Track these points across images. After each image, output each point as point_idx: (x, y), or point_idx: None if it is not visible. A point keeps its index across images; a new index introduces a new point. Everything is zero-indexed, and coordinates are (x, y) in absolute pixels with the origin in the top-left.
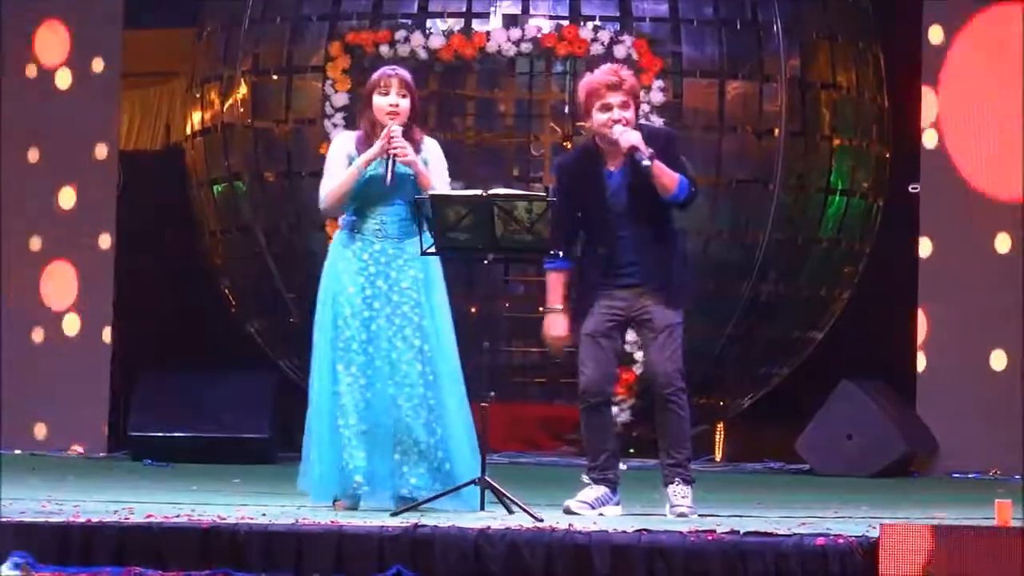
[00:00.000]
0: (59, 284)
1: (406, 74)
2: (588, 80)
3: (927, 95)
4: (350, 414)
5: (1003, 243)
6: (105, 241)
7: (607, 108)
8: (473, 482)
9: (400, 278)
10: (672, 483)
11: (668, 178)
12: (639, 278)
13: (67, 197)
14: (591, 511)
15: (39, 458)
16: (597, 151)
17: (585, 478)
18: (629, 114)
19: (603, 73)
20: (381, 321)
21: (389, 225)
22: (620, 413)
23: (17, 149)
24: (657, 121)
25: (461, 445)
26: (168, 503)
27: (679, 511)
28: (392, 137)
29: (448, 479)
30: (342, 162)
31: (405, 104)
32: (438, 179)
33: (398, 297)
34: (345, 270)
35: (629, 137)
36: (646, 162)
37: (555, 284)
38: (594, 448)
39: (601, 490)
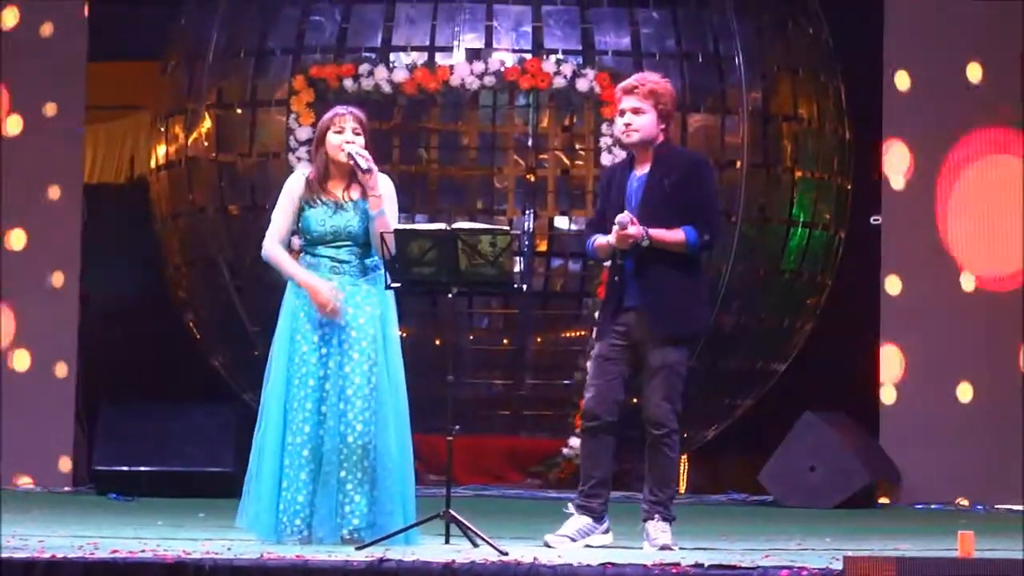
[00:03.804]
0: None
1: (360, 113)
2: None
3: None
4: (298, 455)
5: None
6: (57, 279)
7: (622, 114)
8: (437, 515)
9: (358, 314)
10: (652, 519)
11: (673, 243)
12: (639, 300)
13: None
14: (571, 544)
15: (4, 493)
16: (633, 158)
17: (569, 507)
18: (640, 120)
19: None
20: (338, 357)
21: (346, 264)
22: None
23: None
24: (620, 155)
25: (401, 482)
26: (133, 538)
27: (661, 543)
28: (353, 154)
29: (386, 515)
30: (287, 206)
31: (360, 142)
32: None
33: (356, 333)
34: (302, 307)
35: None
36: (645, 242)
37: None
38: (585, 473)
39: (583, 520)
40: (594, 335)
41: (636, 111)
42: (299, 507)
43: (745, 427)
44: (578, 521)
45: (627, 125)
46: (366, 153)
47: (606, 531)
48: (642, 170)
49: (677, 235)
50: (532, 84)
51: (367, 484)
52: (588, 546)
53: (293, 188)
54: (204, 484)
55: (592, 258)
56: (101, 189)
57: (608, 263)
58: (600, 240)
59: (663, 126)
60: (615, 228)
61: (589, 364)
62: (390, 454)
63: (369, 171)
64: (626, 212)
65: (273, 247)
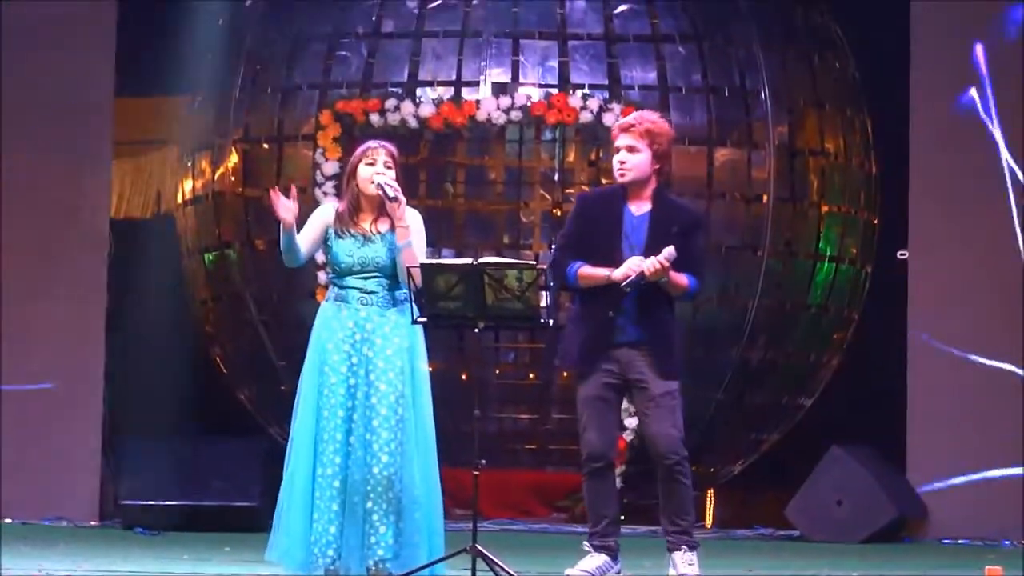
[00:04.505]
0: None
1: (391, 147)
2: None
3: None
4: (329, 486)
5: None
6: (98, 307)
7: (617, 151)
8: (464, 550)
9: (385, 345)
10: (678, 550)
11: (679, 287)
12: (638, 336)
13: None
14: None
15: (30, 527)
16: (624, 192)
17: (585, 545)
18: (635, 159)
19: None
20: (365, 388)
21: (374, 295)
22: None
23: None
24: None
25: (427, 515)
26: (159, 572)
27: (688, 575)
28: (381, 184)
29: (411, 547)
30: (312, 228)
31: (391, 175)
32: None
33: (383, 364)
34: (330, 338)
35: (644, 265)
36: (663, 280)
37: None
38: (595, 514)
39: (601, 558)
40: (575, 370)
41: (631, 149)
42: (331, 538)
43: (772, 461)
44: (597, 558)
45: (621, 163)
46: (395, 184)
47: (619, 571)
48: (639, 208)
49: (684, 280)
50: (558, 119)
51: (392, 515)
52: None
53: (321, 216)
54: (230, 518)
55: (569, 285)
56: (128, 224)
57: (580, 296)
58: (591, 270)
59: (657, 166)
60: (651, 261)
61: (581, 406)
62: (416, 486)
63: (396, 200)
64: (672, 247)
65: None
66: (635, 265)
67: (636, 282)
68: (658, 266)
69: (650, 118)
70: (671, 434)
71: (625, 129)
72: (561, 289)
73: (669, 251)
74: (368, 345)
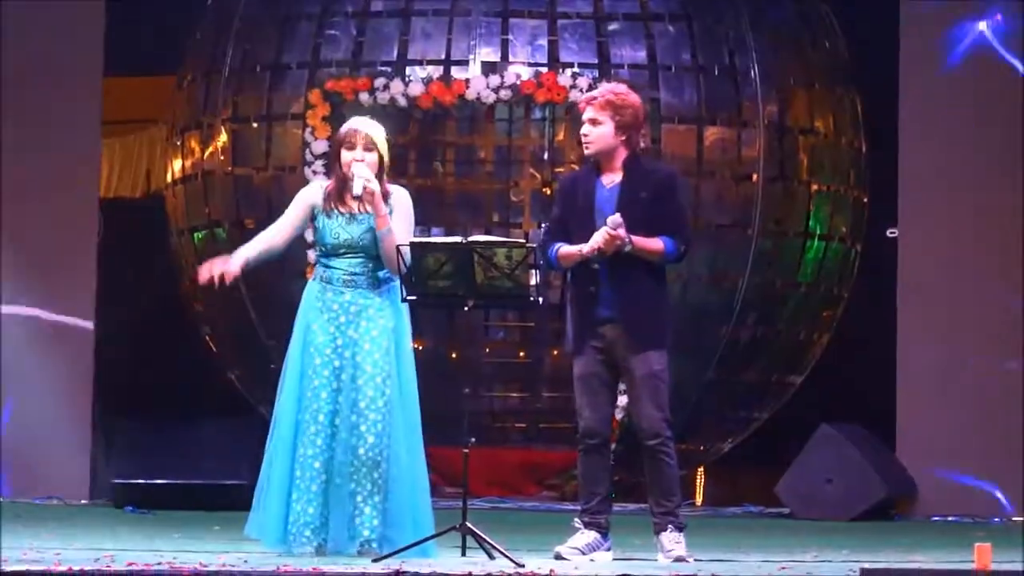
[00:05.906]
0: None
1: (372, 129)
2: None
3: None
4: (309, 467)
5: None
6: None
7: (582, 124)
8: (454, 528)
9: (370, 327)
10: (665, 530)
11: (652, 251)
12: (618, 310)
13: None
14: (582, 557)
15: (20, 505)
16: (598, 167)
17: (576, 522)
18: (597, 131)
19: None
20: (351, 370)
21: (359, 277)
22: None
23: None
24: None
25: (412, 494)
26: (149, 550)
27: (676, 555)
28: (359, 176)
29: (397, 527)
30: (297, 209)
31: (371, 158)
32: (398, 228)
33: (369, 346)
34: (316, 320)
35: (595, 238)
36: (628, 247)
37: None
38: (587, 490)
39: (591, 535)
40: (570, 349)
41: (593, 122)
42: (309, 518)
43: (762, 440)
44: (587, 535)
45: (584, 136)
46: (368, 174)
47: (609, 548)
48: (611, 180)
49: (656, 244)
50: (548, 98)
51: (377, 496)
52: (592, 560)
53: (306, 196)
54: (221, 497)
55: (553, 268)
56: (117, 203)
57: (570, 275)
58: (567, 248)
59: (623, 137)
60: (601, 232)
61: (575, 384)
62: (400, 466)
63: (359, 198)
64: (617, 214)
65: (260, 234)
66: (597, 238)
67: (599, 257)
68: (606, 237)
69: (616, 90)
70: (653, 415)
71: (589, 102)
72: (552, 271)
73: (613, 219)
74: (353, 327)
